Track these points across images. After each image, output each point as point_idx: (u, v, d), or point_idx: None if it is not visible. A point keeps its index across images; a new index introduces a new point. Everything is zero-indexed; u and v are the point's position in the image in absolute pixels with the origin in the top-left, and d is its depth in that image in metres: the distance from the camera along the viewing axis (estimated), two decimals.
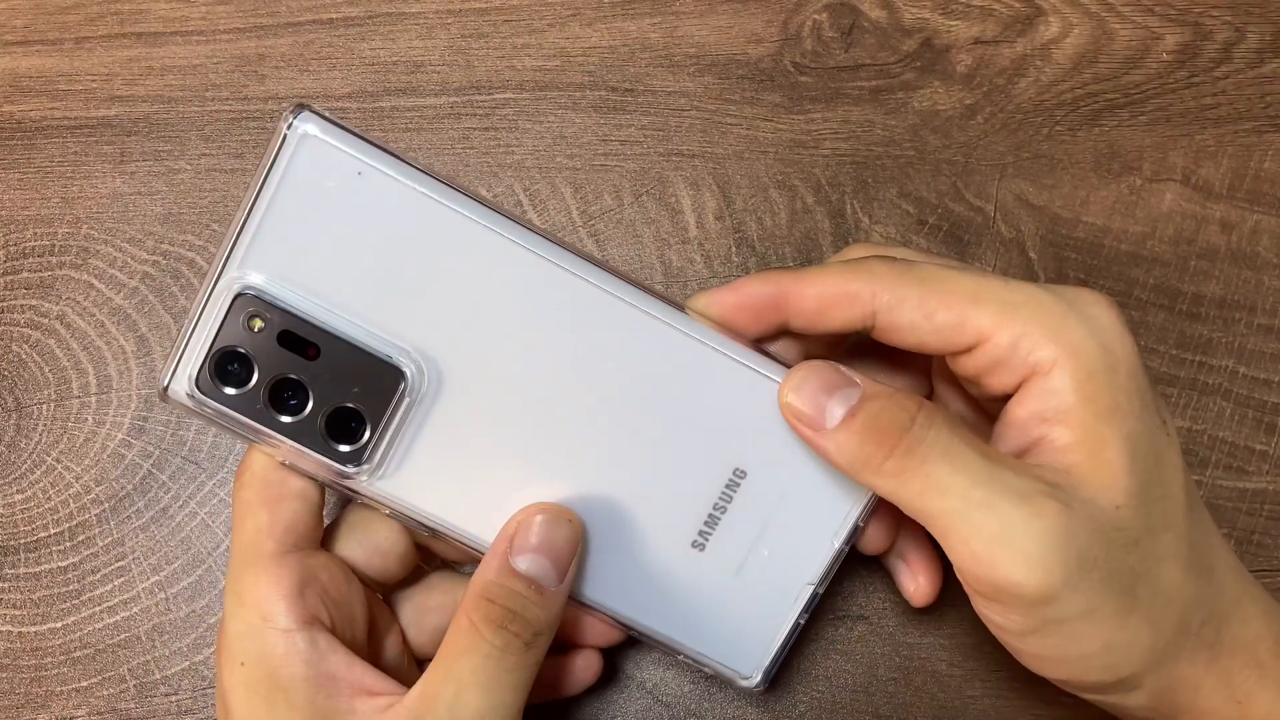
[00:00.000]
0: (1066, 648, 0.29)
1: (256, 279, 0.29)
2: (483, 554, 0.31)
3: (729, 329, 0.32)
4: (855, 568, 0.40)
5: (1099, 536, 0.28)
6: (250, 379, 0.30)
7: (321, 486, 0.32)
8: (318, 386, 0.30)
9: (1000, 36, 0.42)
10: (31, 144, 0.41)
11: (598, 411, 0.31)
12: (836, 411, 0.29)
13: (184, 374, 0.30)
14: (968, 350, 0.30)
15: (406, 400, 0.30)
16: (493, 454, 0.31)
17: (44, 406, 0.40)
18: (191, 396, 0.30)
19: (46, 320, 0.40)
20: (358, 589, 0.32)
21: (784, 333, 0.32)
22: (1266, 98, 0.42)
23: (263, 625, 0.30)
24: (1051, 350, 0.29)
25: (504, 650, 0.30)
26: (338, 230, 0.29)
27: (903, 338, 0.30)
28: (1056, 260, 0.41)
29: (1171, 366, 0.41)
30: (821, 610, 0.40)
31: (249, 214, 0.29)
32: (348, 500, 0.33)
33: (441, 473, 0.31)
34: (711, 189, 0.41)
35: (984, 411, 0.34)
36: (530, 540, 0.31)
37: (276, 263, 0.29)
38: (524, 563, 0.30)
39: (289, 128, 0.28)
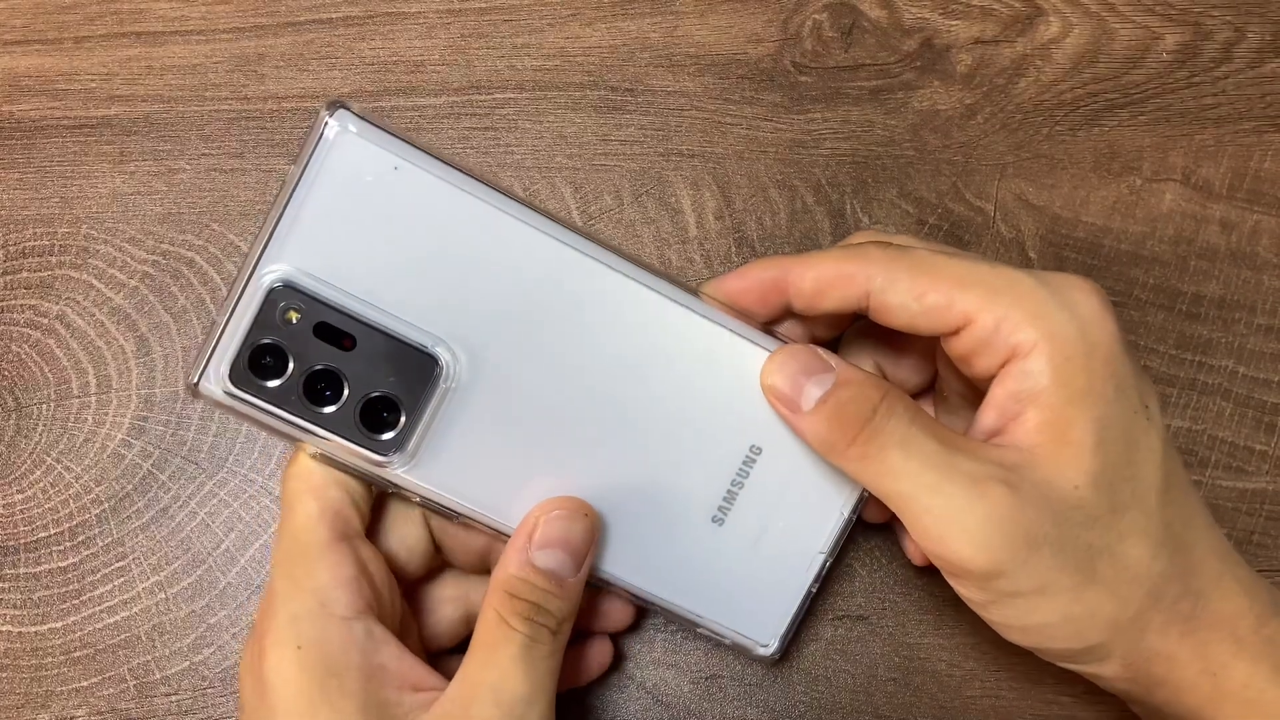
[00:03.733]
0: (1027, 617, 0.31)
1: (292, 271, 0.30)
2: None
3: (742, 313, 0.33)
4: (855, 568, 0.40)
5: (1051, 515, 0.29)
6: (285, 371, 0.30)
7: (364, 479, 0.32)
8: (353, 377, 0.31)
9: (1000, 36, 0.42)
10: (31, 143, 0.41)
11: (624, 394, 0.33)
12: (813, 394, 0.31)
13: (216, 369, 0.30)
14: (955, 332, 0.31)
15: (441, 388, 0.31)
16: (522, 439, 0.32)
17: (44, 406, 0.40)
18: (226, 391, 0.30)
19: (46, 320, 0.40)
20: (395, 583, 0.33)
21: (789, 314, 0.34)
22: (1266, 97, 0.42)
23: (321, 611, 0.30)
24: (1031, 333, 0.30)
25: (535, 639, 0.31)
26: (373, 223, 0.30)
27: (895, 318, 0.31)
28: (1056, 260, 0.41)
29: (1171, 366, 0.41)
30: (822, 610, 0.40)
31: (285, 208, 0.29)
32: (379, 491, 0.33)
33: (472, 459, 0.32)
34: (711, 189, 0.41)
35: (980, 394, 0.34)
36: (549, 536, 0.32)
37: (312, 255, 0.30)
38: (543, 558, 0.31)
39: (326, 124, 0.29)
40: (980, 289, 0.30)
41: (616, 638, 0.40)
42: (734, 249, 0.41)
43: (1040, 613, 0.30)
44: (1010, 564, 0.29)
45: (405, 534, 0.34)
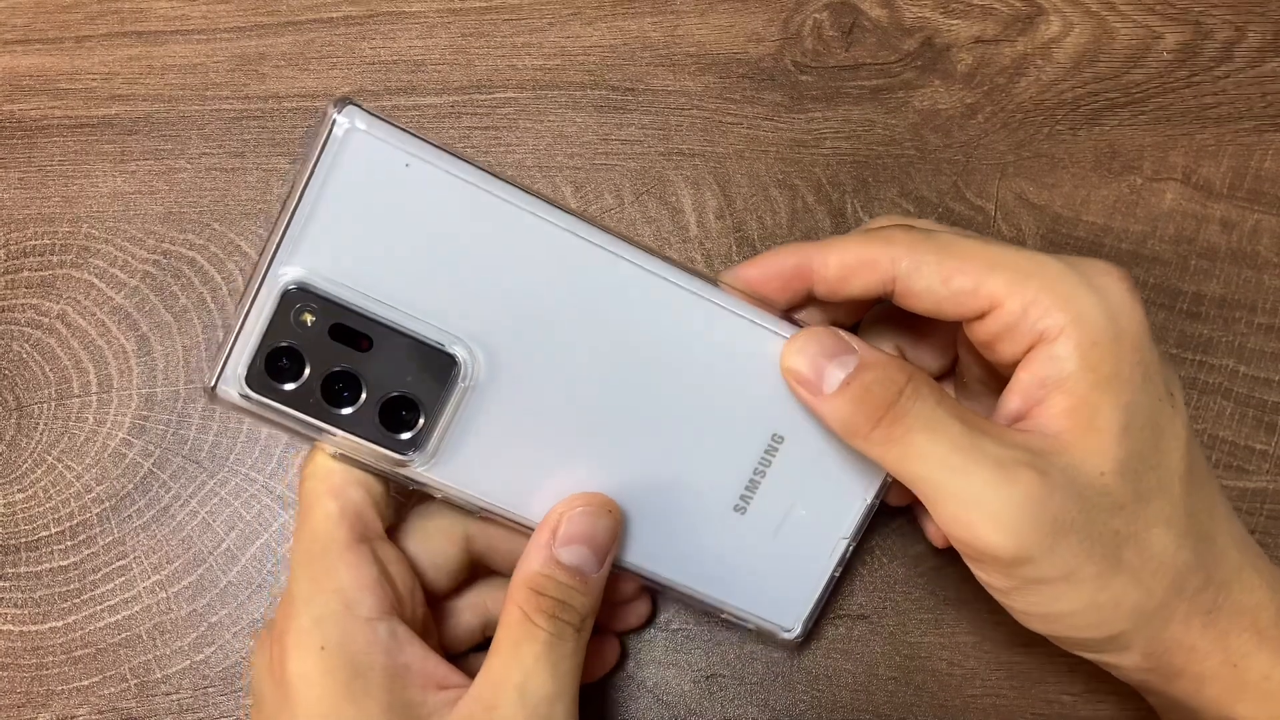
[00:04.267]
0: (1051, 605, 0.30)
1: (306, 273, 0.30)
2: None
3: (762, 301, 0.33)
4: (856, 568, 0.40)
5: (1078, 502, 0.29)
6: (302, 373, 0.30)
7: (383, 477, 0.32)
8: (371, 377, 0.31)
9: (1001, 35, 0.42)
10: (32, 143, 0.41)
11: (644, 386, 0.32)
12: (835, 376, 0.31)
13: (233, 372, 0.30)
14: (981, 316, 0.30)
15: (459, 386, 0.31)
16: (542, 434, 0.32)
17: (45, 406, 0.40)
18: (243, 395, 0.30)
19: (47, 319, 0.40)
20: (418, 584, 0.33)
21: (811, 300, 0.33)
22: (1267, 97, 0.42)
23: (345, 612, 0.30)
24: (1059, 318, 0.29)
25: (559, 636, 0.31)
26: (386, 221, 0.30)
27: (920, 302, 0.31)
28: None
29: (1172, 366, 0.41)
30: (822, 609, 0.40)
31: (296, 209, 0.29)
32: (402, 490, 0.33)
33: (493, 455, 0.32)
34: (712, 188, 0.41)
35: (1002, 379, 0.34)
36: (573, 532, 0.32)
37: (325, 255, 0.30)
38: (567, 554, 0.31)
39: (335, 121, 0.29)
40: (1008, 272, 0.30)
41: (621, 635, 0.40)
42: (735, 248, 0.41)
43: (1065, 600, 0.30)
44: (1037, 550, 0.29)
45: (438, 551, 0.34)
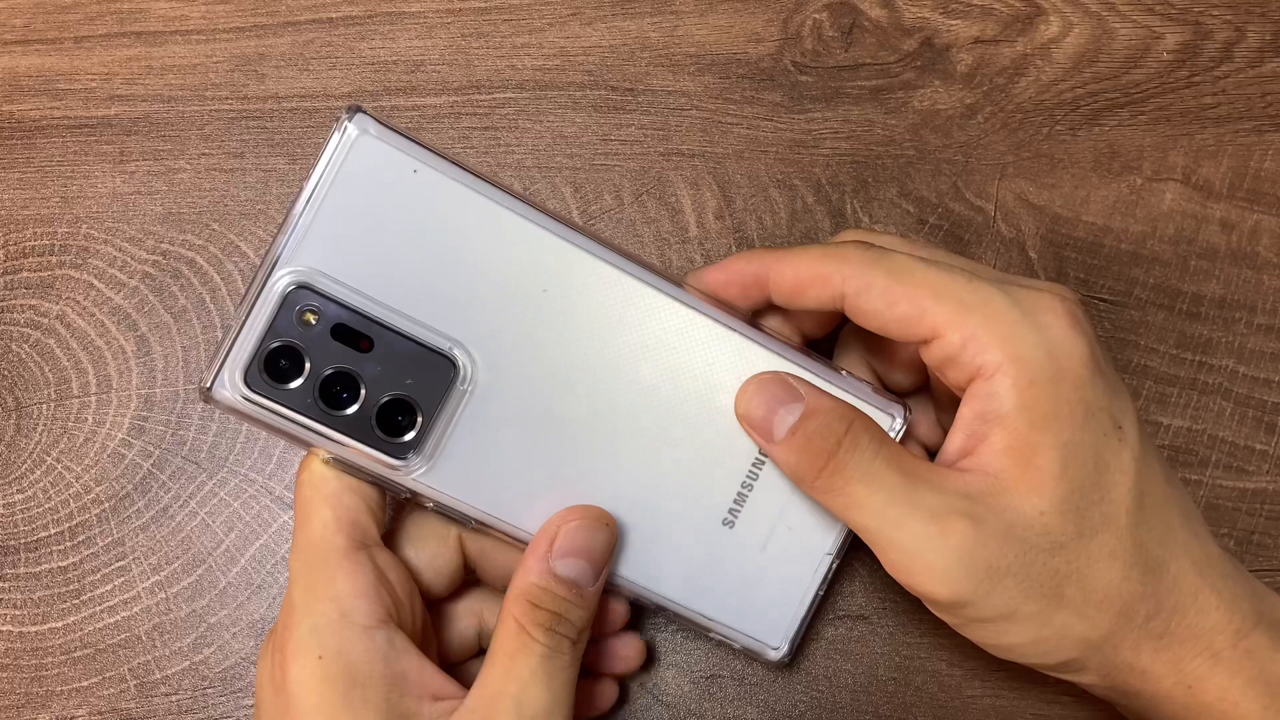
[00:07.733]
0: (996, 639, 0.31)
1: (310, 272, 0.30)
2: (527, 543, 0.32)
3: (724, 305, 0.33)
4: (855, 568, 0.40)
5: (1015, 545, 0.30)
6: (301, 374, 0.30)
7: (378, 485, 0.32)
8: (370, 379, 0.31)
9: (1000, 36, 0.42)
10: (31, 143, 0.41)
11: (637, 400, 0.33)
12: (786, 421, 0.31)
13: (230, 372, 0.30)
14: (926, 342, 0.31)
15: (458, 391, 0.31)
16: (537, 443, 0.32)
17: (44, 406, 0.40)
18: (242, 395, 0.30)
19: (46, 320, 0.40)
20: (416, 591, 0.33)
21: (772, 306, 0.34)
22: (1267, 97, 0.42)
23: (342, 621, 0.30)
24: (997, 355, 0.30)
25: (555, 649, 0.31)
26: (391, 226, 0.30)
27: (867, 322, 0.32)
28: (1057, 260, 0.41)
29: (1171, 366, 0.41)
30: (822, 610, 0.40)
31: (303, 210, 0.29)
32: (395, 497, 0.33)
33: (488, 463, 0.32)
34: (712, 188, 0.41)
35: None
36: (570, 545, 0.32)
37: (329, 257, 0.30)
38: (564, 567, 0.31)
39: (345, 128, 0.29)
40: (951, 303, 0.30)
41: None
42: (734, 249, 0.41)
43: (1009, 635, 0.31)
44: (973, 595, 0.30)
45: (435, 554, 0.34)
